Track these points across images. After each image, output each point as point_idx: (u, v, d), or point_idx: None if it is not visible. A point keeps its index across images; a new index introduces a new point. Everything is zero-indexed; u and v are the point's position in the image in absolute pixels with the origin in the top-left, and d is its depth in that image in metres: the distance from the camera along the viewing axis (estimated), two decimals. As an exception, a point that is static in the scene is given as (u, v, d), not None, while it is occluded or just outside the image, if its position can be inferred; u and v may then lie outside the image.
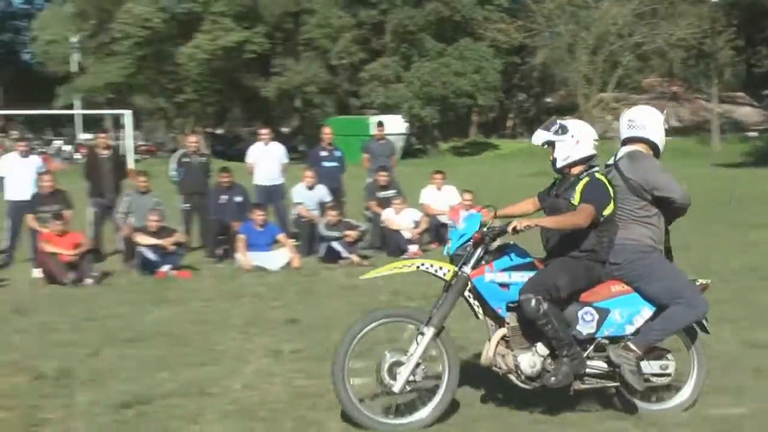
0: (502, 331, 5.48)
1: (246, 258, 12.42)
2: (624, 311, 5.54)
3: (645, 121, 5.75)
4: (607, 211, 5.48)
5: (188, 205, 14.01)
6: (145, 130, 56.15)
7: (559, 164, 5.61)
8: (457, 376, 5.42)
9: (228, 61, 45.90)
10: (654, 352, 5.62)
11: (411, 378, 5.34)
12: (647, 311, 5.55)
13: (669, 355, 5.69)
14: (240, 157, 18.45)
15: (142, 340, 7.92)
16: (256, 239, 12.66)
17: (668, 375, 5.66)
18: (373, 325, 5.38)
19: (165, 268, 11.87)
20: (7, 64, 62.14)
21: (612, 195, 5.50)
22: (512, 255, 5.52)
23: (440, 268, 5.47)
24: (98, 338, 7.94)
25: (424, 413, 5.38)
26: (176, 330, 8.39)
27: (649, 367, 5.62)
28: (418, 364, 5.35)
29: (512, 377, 5.47)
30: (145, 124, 56.32)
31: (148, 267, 11.88)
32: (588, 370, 5.51)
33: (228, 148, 46.69)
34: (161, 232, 12.22)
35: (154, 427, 5.54)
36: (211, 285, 11.18)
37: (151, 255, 11.91)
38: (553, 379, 5.41)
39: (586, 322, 5.52)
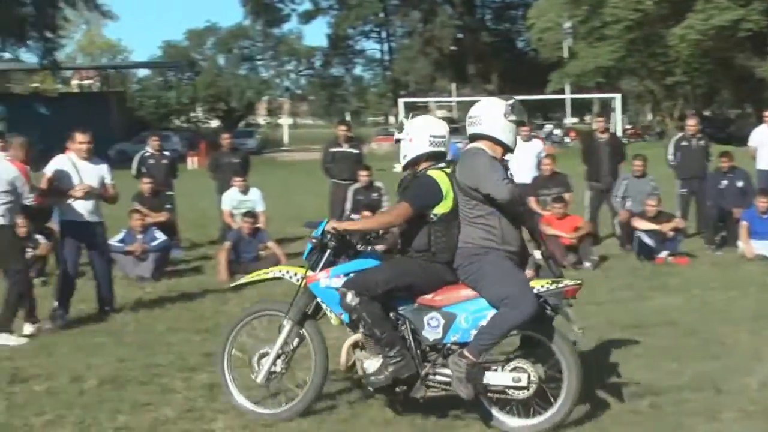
0: (356, 336, 5.30)
1: (749, 246, 11.64)
2: (470, 316, 5.15)
3: (481, 116, 5.34)
4: (438, 210, 5.21)
5: (685, 189, 13.52)
6: (630, 114, 55.69)
7: (402, 163, 5.46)
8: (324, 365, 5.40)
9: (720, 41, 43.61)
10: (510, 362, 5.12)
11: (273, 369, 5.47)
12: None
13: (527, 366, 5.09)
14: (731, 140, 17.28)
15: (646, 328, 7.74)
16: (760, 227, 11.78)
17: (524, 388, 5.08)
18: (247, 320, 5.64)
19: (663, 254, 11.57)
20: (504, 53, 65.60)
21: (443, 193, 5.19)
22: (359, 261, 5.38)
23: (295, 274, 5.54)
24: (603, 324, 7.90)
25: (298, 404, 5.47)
26: (680, 319, 8.09)
27: (501, 378, 5.10)
28: (279, 355, 5.47)
29: (365, 382, 5.28)
30: (632, 107, 55.84)
31: (646, 252, 11.66)
32: (436, 377, 5.18)
33: (719, 131, 44.53)
34: (659, 216, 11.93)
35: (668, 420, 5.37)
36: (712, 273, 10.66)
37: (648, 240, 11.69)
38: (372, 378, 5.22)
39: (432, 328, 5.23)
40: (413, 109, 63.44)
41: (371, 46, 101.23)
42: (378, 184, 12.95)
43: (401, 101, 42.52)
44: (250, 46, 73.53)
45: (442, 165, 5.36)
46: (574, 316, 5.16)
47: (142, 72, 79.44)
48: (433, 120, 5.58)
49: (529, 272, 5.40)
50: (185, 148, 46.29)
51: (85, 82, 71.62)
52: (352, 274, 5.31)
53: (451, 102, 57.84)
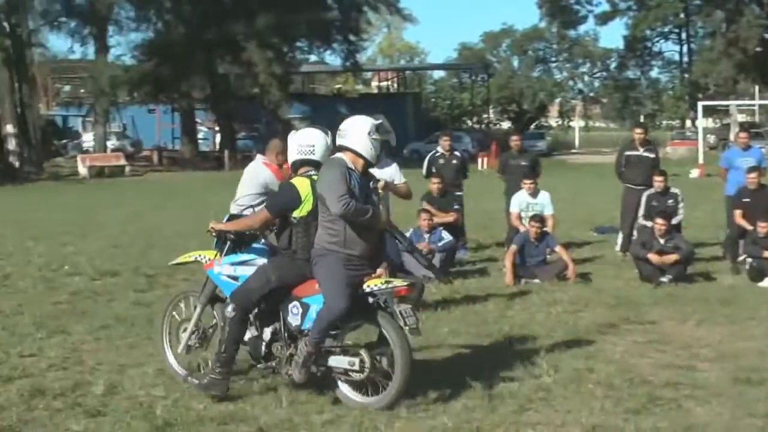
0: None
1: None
2: (318, 307, 5.79)
3: (347, 130, 5.95)
4: (297, 213, 5.89)
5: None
6: None
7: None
8: (231, 331, 5.96)
9: None
10: (350, 349, 5.84)
11: (190, 343, 6.42)
12: None
13: (362, 351, 5.80)
14: None
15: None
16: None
17: (357, 371, 5.77)
18: (177, 299, 6.73)
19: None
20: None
21: (302, 198, 5.87)
22: (248, 251, 6.18)
23: (207, 259, 6.42)
24: None
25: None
26: None
27: (338, 361, 5.84)
28: (193, 332, 6.42)
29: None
30: None
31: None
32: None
33: None
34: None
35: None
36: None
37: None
38: (205, 380, 5.99)
39: (294, 315, 5.95)
40: (713, 113, 59.93)
41: (669, 48, 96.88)
42: (674, 190, 12.10)
43: (700, 104, 40.14)
44: (544, 48, 72.93)
45: (312, 172, 6.03)
46: (408, 315, 5.72)
47: (438, 74, 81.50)
48: (304, 131, 6.22)
49: (379, 270, 6.04)
50: (476, 148, 46.74)
51: (384, 83, 74.41)
52: (240, 265, 6.18)
53: (753, 105, 53.80)
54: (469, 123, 72.20)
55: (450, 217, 12.24)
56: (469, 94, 70.64)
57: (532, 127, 70.79)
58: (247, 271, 6.09)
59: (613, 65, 70.38)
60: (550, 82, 71.44)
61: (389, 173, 8.99)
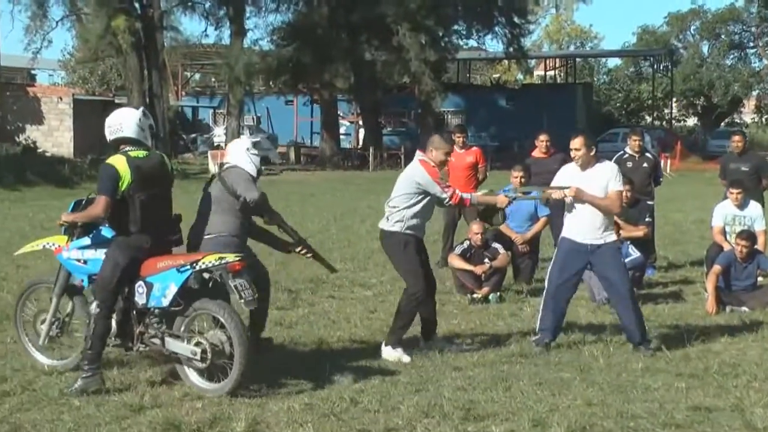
0: None
1: None
2: (160, 285, 6.93)
3: (228, 151, 8.35)
4: (119, 189, 6.98)
5: None
6: None
7: None
8: (97, 328, 6.92)
9: None
10: (193, 338, 6.92)
11: (51, 333, 7.52)
12: (174, 287, 6.88)
13: (204, 341, 6.84)
14: None
15: None
16: None
17: (200, 360, 6.82)
18: (30, 290, 7.87)
19: None
20: None
21: (120, 173, 6.95)
22: (91, 236, 7.24)
23: (56, 245, 7.47)
24: None
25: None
26: None
27: (183, 349, 6.90)
28: (53, 322, 7.51)
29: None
30: None
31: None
32: (148, 335, 7.08)
33: None
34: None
35: None
36: None
37: None
38: (78, 383, 6.89)
39: (139, 294, 7.02)
40: None
41: None
42: None
43: None
44: (741, 31, 70.30)
45: (128, 149, 7.13)
46: (244, 288, 6.82)
47: (613, 62, 79.85)
48: (113, 113, 7.34)
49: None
50: (657, 148, 45.42)
51: (550, 72, 73.47)
52: (86, 249, 7.20)
53: None
54: (648, 119, 70.42)
55: (640, 231, 11.78)
56: (650, 85, 68.83)
57: (723, 124, 68.35)
58: (95, 255, 7.16)
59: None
60: (747, 71, 68.77)
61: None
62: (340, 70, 44.36)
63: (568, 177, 8.43)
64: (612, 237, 8.38)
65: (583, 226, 8.33)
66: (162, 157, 7.36)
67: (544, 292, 8.57)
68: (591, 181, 8.28)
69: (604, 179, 8.28)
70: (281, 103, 55.58)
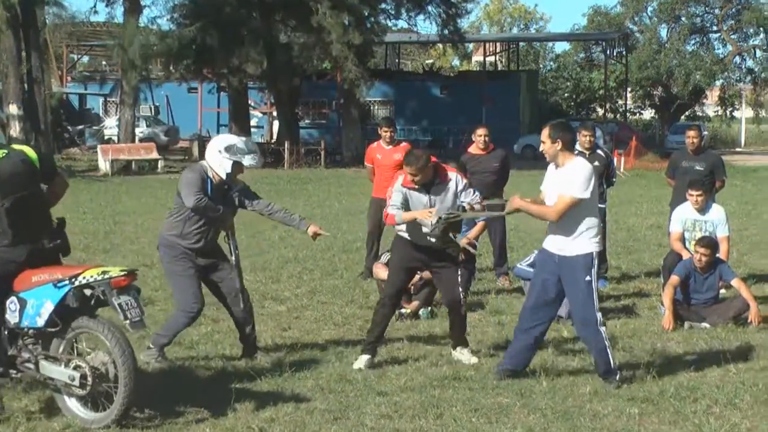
0: None
1: None
2: (35, 302, 6.85)
3: (209, 146, 8.85)
4: None
5: None
6: None
7: None
8: None
9: None
10: (72, 361, 6.82)
11: None
12: (50, 304, 6.79)
13: (81, 363, 6.77)
14: None
15: None
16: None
17: (77, 385, 6.72)
18: None
19: None
20: None
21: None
22: None
23: None
24: None
25: None
26: None
27: (57, 373, 6.83)
28: None
29: None
30: None
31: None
32: (22, 358, 6.94)
33: None
34: None
35: None
36: None
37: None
38: None
39: (12, 312, 6.93)
40: None
41: None
42: None
43: None
44: (703, 13, 71.71)
45: None
46: (129, 307, 6.76)
47: (560, 46, 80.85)
48: None
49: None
50: (610, 144, 46.07)
51: (489, 58, 74.15)
52: None
53: None
54: (600, 111, 71.44)
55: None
56: (602, 74, 69.87)
57: (683, 117, 69.64)
58: None
59: (795, 37, 68.87)
60: (710, 58, 70.14)
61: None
62: (252, 54, 44.13)
63: (548, 175, 8.45)
64: (582, 248, 8.09)
65: (552, 231, 8.28)
66: (23, 153, 7.18)
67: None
68: (559, 182, 8.16)
69: (567, 180, 8.08)
70: (183, 90, 55.02)
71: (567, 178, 8.08)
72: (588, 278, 8.01)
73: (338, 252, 15.94)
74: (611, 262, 14.11)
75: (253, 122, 54.21)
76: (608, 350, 8.10)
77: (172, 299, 9.43)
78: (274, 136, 52.68)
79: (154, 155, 42.16)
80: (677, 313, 10.53)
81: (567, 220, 8.05)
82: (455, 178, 8.83)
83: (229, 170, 8.61)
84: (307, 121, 56.68)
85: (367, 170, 13.83)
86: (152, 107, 57.22)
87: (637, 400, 7.61)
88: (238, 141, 8.78)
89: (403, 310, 10.86)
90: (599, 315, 8.06)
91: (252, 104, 54.29)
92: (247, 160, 8.75)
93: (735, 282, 10.96)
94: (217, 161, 8.62)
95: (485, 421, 6.99)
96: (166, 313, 10.62)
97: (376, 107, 58.78)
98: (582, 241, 8.08)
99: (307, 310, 11.26)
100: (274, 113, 53.61)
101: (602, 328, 8.04)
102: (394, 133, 13.73)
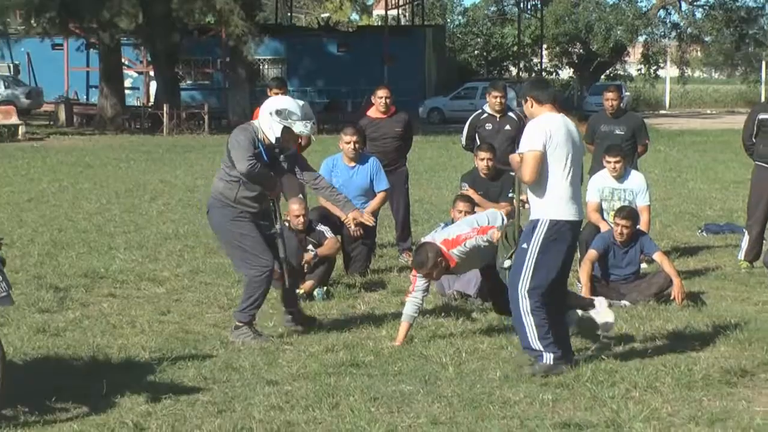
0: None
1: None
2: None
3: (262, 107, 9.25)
4: None
5: None
6: None
7: None
8: None
9: None
10: None
11: None
12: None
13: None
14: None
15: None
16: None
17: None
18: None
19: None
20: None
21: None
22: None
23: None
24: None
25: None
26: None
27: None
28: None
29: None
30: None
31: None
32: None
33: None
34: None
35: None
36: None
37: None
38: None
39: None
40: None
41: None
42: None
43: None
44: (624, -38, 72.62)
45: None
46: None
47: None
48: None
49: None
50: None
51: (391, 11, 74.17)
52: None
53: None
54: (513, 70, 72.05)
55: (502, 209, 12.06)
56: (515, 29, 70.43)
57: (603, 77, 70.59)
58: None
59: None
60: (632, 12, 71.09)
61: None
62: (125, 6, 43.54)
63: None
64: (534, 213, 8.23)
65: None
66: None
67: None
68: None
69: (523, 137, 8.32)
70: (47, 47, 54.09)
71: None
72: (525, 245, 8.10)
73: (224, 227, 15.82)
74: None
75: (127, 83, 53.49)
76: (525, 324, 8.13)
77: (235, 265, 9.72)
78: (152, 99, 52.13)
79: (14, 120, 41.39)
80: (595, 291, 10.61)
81: (535, 184, 8.16)
82: None
83: (278, 134, 8.97)
84: (188, 82, 56.21)
85: (255, 136, 13.77)
86: (11, 66, 56.14)
87: (551, 386, 7.71)
88: (291, 104, 9.07)
89: (297, 291, 10.86)
90: (525, 286, 8.09)
91: (126, 63, 53.54)
92: (298, 127, 9.02)
93: (657, 256, 11.11)
94: (267, 124, 9.00)
95: (386, 411, 7.05)
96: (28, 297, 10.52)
97: (266, 66, 58.50)
98: (536, 207, 8.21)
99: (188, 292, 11.20)
100: (151, 73, 52.99)
101: (525, 301, 8.10)
102: (286, 94, 13.67)
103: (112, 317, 10.01)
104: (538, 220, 8.13)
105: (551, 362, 8.02)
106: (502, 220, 9.50)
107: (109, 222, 16.44)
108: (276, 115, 8.95)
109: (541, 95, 8.30)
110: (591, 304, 9.11)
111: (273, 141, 9.01)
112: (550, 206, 8.09)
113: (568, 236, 8.18)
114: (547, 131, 8.07)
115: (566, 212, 8.13)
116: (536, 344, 8.09)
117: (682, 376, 7.95)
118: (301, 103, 9.27)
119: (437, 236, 9.36)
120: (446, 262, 9.05)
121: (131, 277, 11.84)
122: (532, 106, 8.27)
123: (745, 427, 6.83)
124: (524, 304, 8.09)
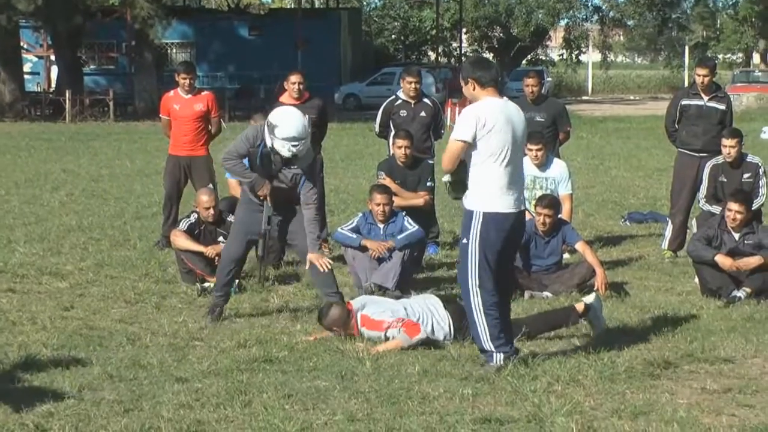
0: None
1: None
2: None
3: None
4: None
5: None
6: None
7: None
8: None
9: None
10: None
11: None
12: None
13: None
14: None
15: None
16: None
17: None
18: None
19: None
20: None
21: None
22: None
23: None
24: None
25: None
26: None
27: None
28: None
29: None
30: None
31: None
32: None
33: None
34: None
35: None
36: None
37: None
38: None
39: None
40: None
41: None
42: (753, 159, 12.09)
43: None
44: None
45: None
46: None
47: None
48: None
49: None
50: (444, 92, 46.70)
51: (306, -7, 74.14)
52: None
53: None
54: (432, 55, 72.23)
55: (419, 199, 12.10)
56: (433, 12, 70.64)
57: (524, 62, 71.09)
58: None
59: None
60: (553, -5, 71.80)
61: None
62: (23, -14, 43.00)
63: None
64: (468, 203, 8.09)
65: None
66: None
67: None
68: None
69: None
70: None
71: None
72: (465, 240, 8.05)
73: (130, 219, 15.76)
74: (444, 226, 14.23)
75: (26, 67, 52.81)
76: (477, 324, 8.09)
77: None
78: (53, 84, 51.53)
79: None
80: (516, 282, 10.65)
81: (471, 172, 8.06)
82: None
83: (270, 144, 9.25)
84: (92, 67, 55.64)
85: (163, 123, 13.69)
86: None
87: (471, 380, 7.77)
88: (282, 122, 9.11)
89: (206, 284, 10.82)
90: (474, 281, 8.05)
91: (25, 46, 52.86)
92: (277, 144, 9.13)
93: (579, 246, 11.24)
94: (266, 130, 9.29)
95: (300, 408, 7.05)
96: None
97: (174, 50, 58.12)
98: (470, 196, 8.07)
99: (93, 286, 11.12)
100: (52, 57, 52.39)
101: (477, 297, 8.06)
102: (194, 80, 13.58)
103: (12, 313, 9.89)
104: (472, 212, 8.02)
105: (501, 362, 8.02)
106: (444, 333, 9.01)
107: (8, 214, 16.26)
108: (267, 127, 9.20)
109: (484, 77, 8.04)
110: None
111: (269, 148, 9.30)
112: (484, 197, 7.98)
113: (506, 226, 8.05)
114: (481, 119, 7.90)
115: (500, 204, 8.00)
116: (488, 345, 8.09)
117: (605, 368, 8.04)
118: (303, 123, 9.23)
119: (363, 310, 9.07)
120: (351, 330, 8.97)
121: (32, 272, 11.71)
122: (474, 89, 8.06)
123: (668, 420, 6.91)
124: (476, 300, 8.07)
